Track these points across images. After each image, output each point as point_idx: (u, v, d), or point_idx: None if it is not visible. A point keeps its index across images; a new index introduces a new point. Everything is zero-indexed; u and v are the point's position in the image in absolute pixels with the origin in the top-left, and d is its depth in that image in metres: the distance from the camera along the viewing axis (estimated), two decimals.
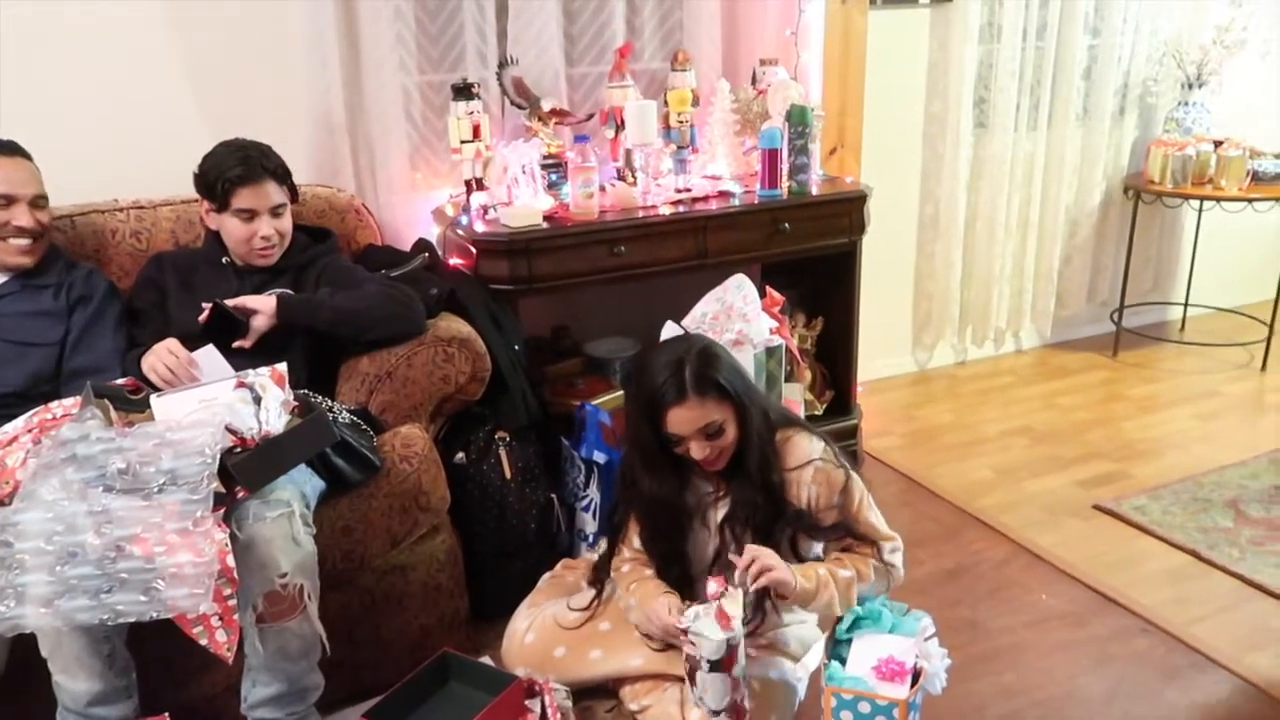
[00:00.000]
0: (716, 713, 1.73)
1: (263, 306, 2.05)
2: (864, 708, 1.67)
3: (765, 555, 1.75)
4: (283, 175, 2.15)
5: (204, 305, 2.02)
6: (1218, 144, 3.65)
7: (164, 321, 2.12)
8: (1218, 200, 3.64)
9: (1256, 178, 3.57)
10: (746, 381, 1.88)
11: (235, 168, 2.07)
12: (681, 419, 1.77)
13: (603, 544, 2.13)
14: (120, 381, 1.85)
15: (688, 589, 1.91)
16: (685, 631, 1.71)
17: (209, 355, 1.94)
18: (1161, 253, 4.21)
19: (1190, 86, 3.77)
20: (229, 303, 2.03)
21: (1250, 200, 3.58)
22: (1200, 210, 3.97)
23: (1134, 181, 3.85)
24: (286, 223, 2.17)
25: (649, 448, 1.86)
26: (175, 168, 2.19)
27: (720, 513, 1.90)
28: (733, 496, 1.88)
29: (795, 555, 1.88)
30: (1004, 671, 2.13)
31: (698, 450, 1.80)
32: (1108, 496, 2.87)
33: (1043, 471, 3.06)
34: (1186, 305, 4.24)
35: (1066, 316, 4.09)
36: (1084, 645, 2.22)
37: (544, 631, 2.02)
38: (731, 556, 1.79)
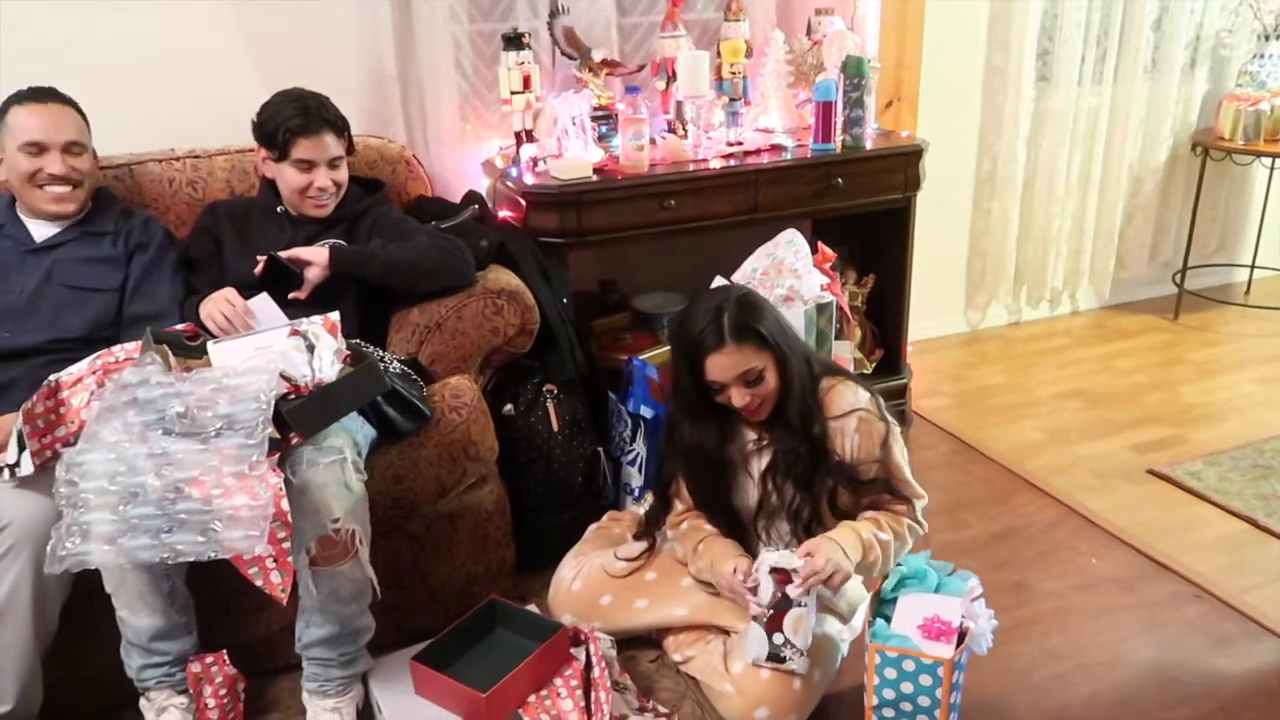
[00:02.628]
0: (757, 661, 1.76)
1: (316, 258, 2.07)
2: (908, 665, 1.67)
3: (818, 563, 1.71)
4: (341, 127, 2.15)
5: (258, 258, 2.05)
6: None
7: (219, 270, 2.15)
8: None
9: None
10: (787, 330, 1.87)
11: (295, 118, 2.08)
12: (720, 365, 1.78)
13: (649, 498, 2.14)
14: (179, 327, 1.88)
15: (739, 538, 1.93)
16: (753, 591, 1.75)
17: (264, 303, 1.97)
18: (1229, 212, 4.07)
19: (1267, 38, 3.60)
20: (283, 255, 2.05)
21: None
22: (1272, 169, 3.82)
23: (1203, 138, 3.71)
24: (343, 174, 2.18)
25: (691, 396, 1.87)
26: (229, 117, 2.22)
27: (763, 462, 1.90)
28: (775, 446, 1.88)
29: (832, 508, 1.88)
30: (1051, 634, 2.12)
31: (738, 398, 1.80)
32: (1163, 461, 2.81)
33: (1096, 435, 3.00)
34: (1253, 267, 4.10)
35: (1126, 278, 3.98)
36: (1133, 610, 2.19)
37: (590, 580, 2.04)
38: (794, 581, 1.73)
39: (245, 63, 2.51)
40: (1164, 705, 1.91)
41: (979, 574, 1.82)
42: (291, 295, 2.06)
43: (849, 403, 1.85)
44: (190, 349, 1.75)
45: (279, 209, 2.21)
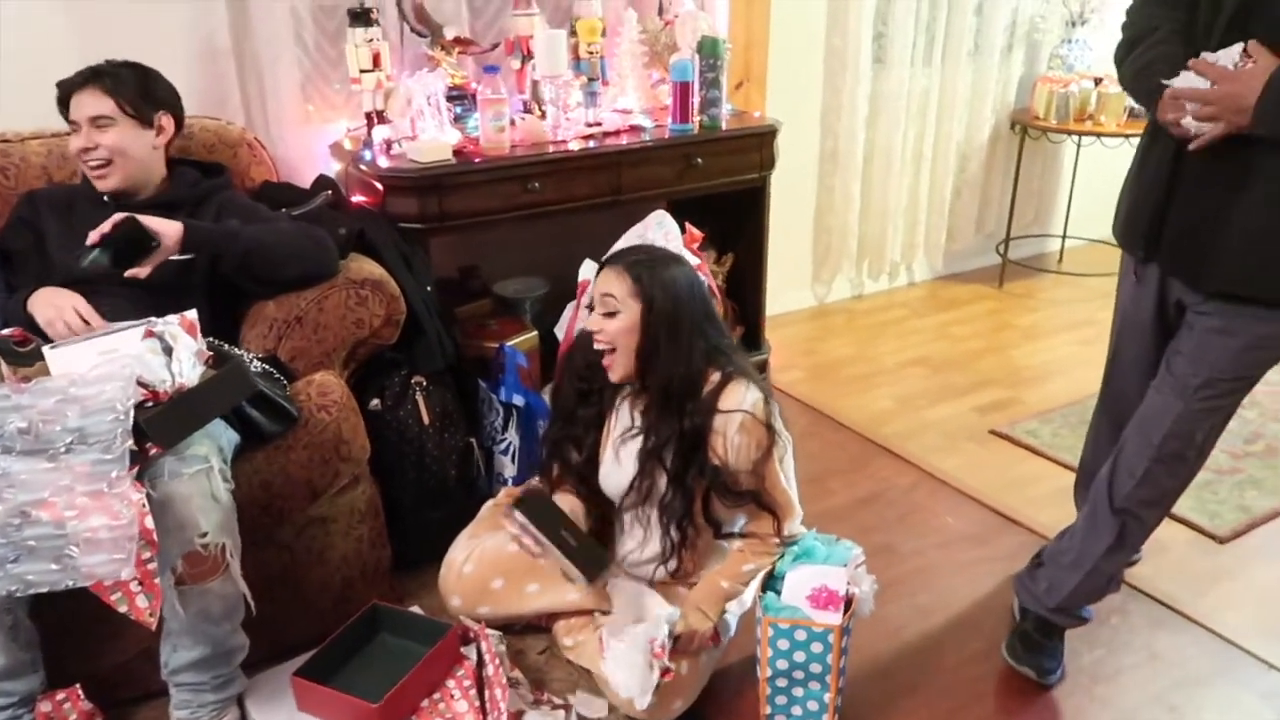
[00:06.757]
0: None
1: (168, 230, 1.84)
2: (800, 635, 1.72)
3: (688, 639, 1.79)
4: (120, 86, 1.93)
5: (115, 216, 1.79)
6: (1098, 81, 3.79)
7: (44, 264, 1.94)
8: (1097, 136, 3.80)
9: (1133, 114, 3.72)
10: (682, 303, 1.81)
11: (75, 77, 1.91)
12: (601, 280, 1.85)
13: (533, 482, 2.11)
14: (5, 332, 1.69)
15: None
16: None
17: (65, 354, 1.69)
18: (1044, 187, 4.38)
19: (1074, 24, 3.89)
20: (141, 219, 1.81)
21: (1127, 136, 3.73)
22: (1079, 145, 4.13)
23: (1020, 117, 3.98)
24: (110, 137, 1.93)
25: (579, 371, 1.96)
26: (44, 97, 1.98)
27: (637, 445, 1.89)
28: (651, 432, 1.86)
29: (706, 516, 1.89)
30: (918, 592, 2.23)
31: (594, 323, 1.85)
32: (1002, 421, 3.01)
33: (941, 399, 3.18)
34: (1064, 237, 4.44)
35: (956, 249, 4.23)
36: (988, 563, 2.33)
37: (483, 562, 1.98)
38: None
39: (63, 34, 2.26)
40: None
41: (848, 539, 1.89)
42: (130, 273, 1.81)
43: (735, 401, 1.79)
44: (21, 356, 1.58)
45: (105, 196, 2.00)
